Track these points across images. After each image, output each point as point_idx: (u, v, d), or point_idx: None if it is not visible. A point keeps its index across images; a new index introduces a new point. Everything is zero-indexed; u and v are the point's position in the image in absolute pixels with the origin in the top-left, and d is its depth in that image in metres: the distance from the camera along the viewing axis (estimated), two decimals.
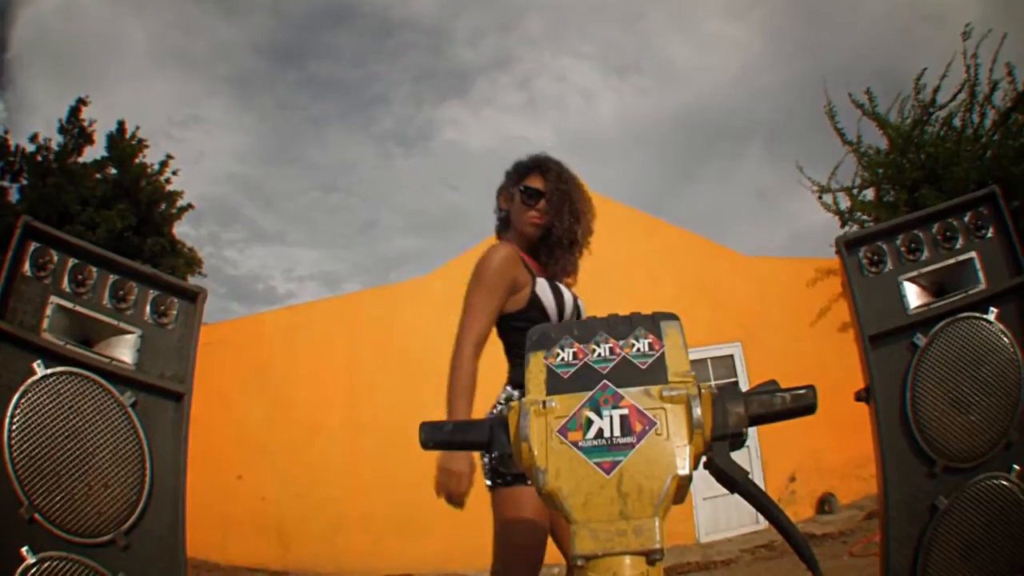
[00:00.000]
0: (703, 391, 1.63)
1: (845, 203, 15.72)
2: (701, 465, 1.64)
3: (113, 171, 20.72)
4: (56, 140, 20.19)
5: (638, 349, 1.70)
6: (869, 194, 15.70)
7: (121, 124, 21.57)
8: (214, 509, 12.87)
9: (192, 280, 22.59)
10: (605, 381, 1.64)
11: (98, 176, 20.27)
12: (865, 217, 15.42)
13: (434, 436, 1.86)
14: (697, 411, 1.55)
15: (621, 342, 1.72)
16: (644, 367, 1.66)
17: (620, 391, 1.61)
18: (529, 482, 1.77)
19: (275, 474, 13.07)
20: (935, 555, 3.52)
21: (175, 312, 3.61)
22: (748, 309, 14.25)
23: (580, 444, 1.54)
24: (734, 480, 1.63)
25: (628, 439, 1.53)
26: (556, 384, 1.67)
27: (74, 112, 20.59)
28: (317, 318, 14.18)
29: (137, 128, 21.63)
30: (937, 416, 3.54)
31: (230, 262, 49.54)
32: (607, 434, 1.54)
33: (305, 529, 12.85)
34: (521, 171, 3.94)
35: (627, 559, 1.47)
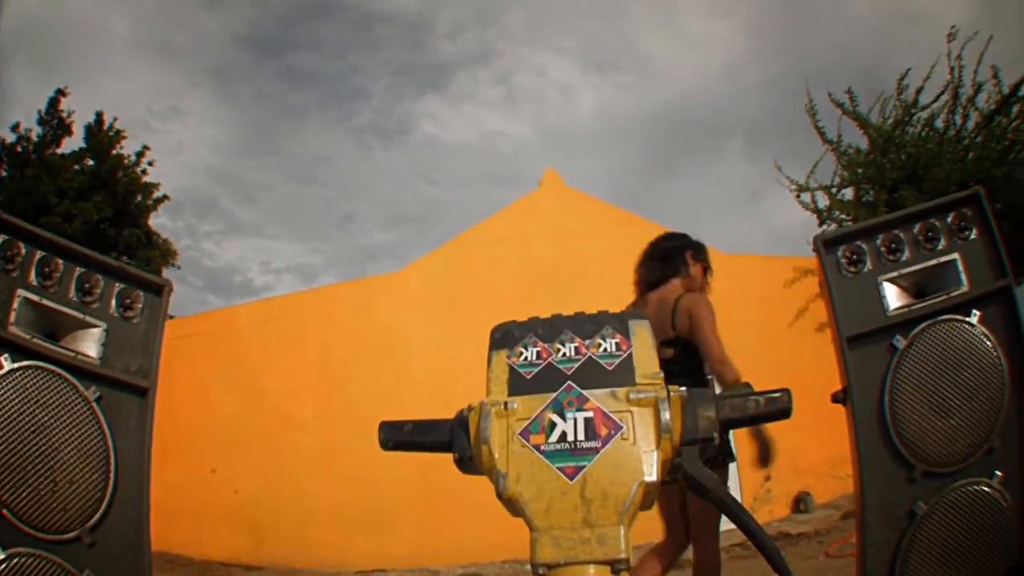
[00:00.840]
0: (672, 394, 1.57)
1: (823, 202, 15.75)
2: (669, 472, 1.58)
3: (91, 162, 20.91)
4: (36, 131, 20.31)
5: (605, 349, 1.64)
6: (848, 193, 15.75)
7: (99, 115, 21.62)
8: (188, 503, 12.87)
9: (167, 272, 22.64)
10: (569, 382, 1.58)
11: (76, 167, 20.42)
12: (844, 216, 15.34)
13: (393, 436, 1.81)
14: (666, 415, 1.50)
15: (587, 341, 1.66)
16: (611, 368, 1.60)
17: (585, 393, 1.55)
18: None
19: (249, 467, 13.01)
20: (913, 561, 3.48)
21: (140, 305, 3.55)
22: (726, 307, 14.03)
23: (542, 448, 1.49)
24: (704, 488, 1.57)
25: (593, 443, 1.47)
26: (518, 384, 1.61)
27: (53, 103, 20.67)
28: (291, 311, 14.10)
29: (115, 119, 21.74)
30: (916, 420, 3.50)
31: (207, 254, 49.47)
32: (571, 438, 1.49)
33: (278, 523, 12.78)
34: (704, 253, 6.29)
35: (591, 568, 1.41)
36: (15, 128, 19.90)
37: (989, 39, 13.43)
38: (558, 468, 1.46)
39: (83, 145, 21.01)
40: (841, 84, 17.42)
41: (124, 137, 21.64)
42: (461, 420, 1.67)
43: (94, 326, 3.40)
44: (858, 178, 15.09)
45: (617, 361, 1.61)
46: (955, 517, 3.47)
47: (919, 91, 14.14)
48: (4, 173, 19.53)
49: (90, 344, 3.38)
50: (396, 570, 11.94)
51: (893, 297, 3.67)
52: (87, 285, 3.42)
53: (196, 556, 12.65)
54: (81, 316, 3.37)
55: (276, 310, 14.25)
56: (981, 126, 13.58)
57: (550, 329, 1.72)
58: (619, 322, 1.70)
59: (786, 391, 1.70)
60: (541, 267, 13.58)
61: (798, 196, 15.66)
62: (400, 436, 1.80)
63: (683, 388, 1.61)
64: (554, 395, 1.56)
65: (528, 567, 1.40)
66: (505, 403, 1.57)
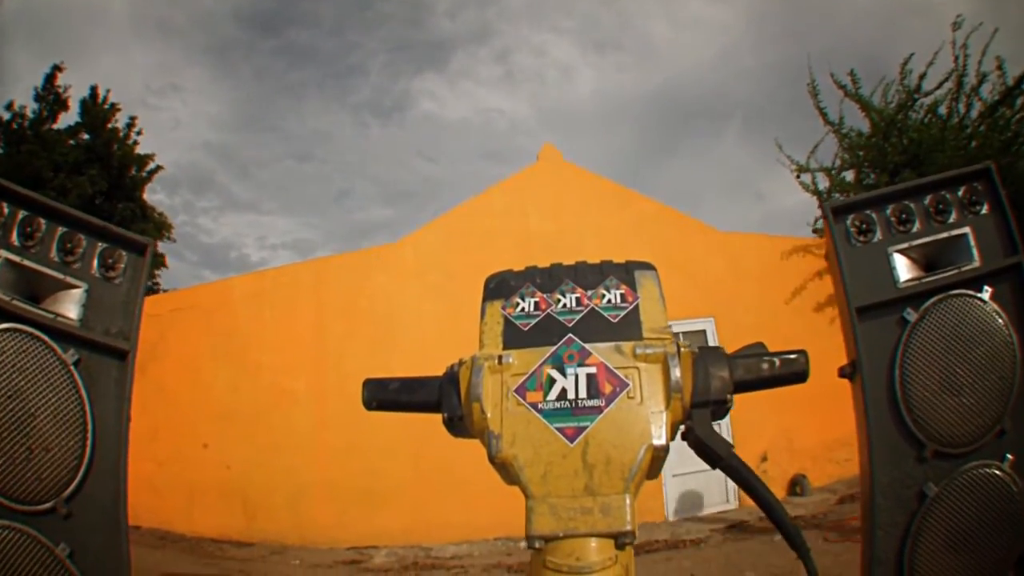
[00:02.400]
0: (683, 350, 1.45)
1: (823, 183, 15.86)
2: (679, 436, 1.48)
3: (86, 136, 20.92)
4: (32, 108, 20.34)
5: (609, 300, 1.53)
6: (848, 176, 15.83)
7: (94, 89, 21.64)
8: (180, 478, 12.89)
9: (162, 246, 22.86)
10: (570, 335, 1.47)
11: (71, 142, 20.44)
12: (843, 198, 14.91)
13: (378, 395, 1.67)
14: (676, 372, 1.38)
15: (590, 292, 1.55)
16: (615, 320, 1.49)
17: (587, 346, 1.44)
18: None
19: (241, 442, 12.94)
20: (923, 545, 3.35)
21: (123, 266, 3.41)
22: (722, 284, 14.18)
23: (540, 406, 1.38)
24: (716, 454, 1.46)
25: (596, 402, 1.36)
26: (514, 337, 1.50)
27: (49, 79, 20.67)
28: (285, 284, 13.98)
29: (108, 92, 21.76)
30: (928, 397, 3.36)
31: (204, 230, 49.82)
32: (571, 395, 1.38)
33: (270, 499, 12.73)
34: None
35: (592, 542, 1.31)
36: (10, 106, 19.87)
37: (994, 31, 13.48)
38: (557, 429, 1.36)
39: (78, 120, 20.99)
40: (841, 70, 17.32)
41: (119, 110, 21.64)
42: (451, 376, 1.55)
43: (75, 287, 3.29)
44: (859, 160, 15.08)
45: (622, 313, 1.50)
46: (966, 501, 3.34)
47: (922, 76, 14.23)
48: (1, 150, 19.45)
49: (70, 305, 3.28)
50: (388, 547, 11.88)
51: (903, 269, 3.53)
52: (69, 245, 3.31)
53: (188, 532, 12.59)
54: (62, 277, 3.26)
55: (270, 283, 14.14)
56: (985, 115, 13.59)
57: (549, 279, 1.60)
58: (624, 272, 1.59)
59: (802, 352, 1.58)
60: (538, 241, 13.52)
61: (798, 177, 15.73)
62: (385, 395, 1.67)
63: (694, 345, 1.49)
64: (553, 348, 1.45)
65: (523, 544, 1.31)
66: (499, 357, 1.46)
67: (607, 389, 1.36)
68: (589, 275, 1.58)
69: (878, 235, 3.59)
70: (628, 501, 1.31)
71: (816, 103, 15.48)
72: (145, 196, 22.48)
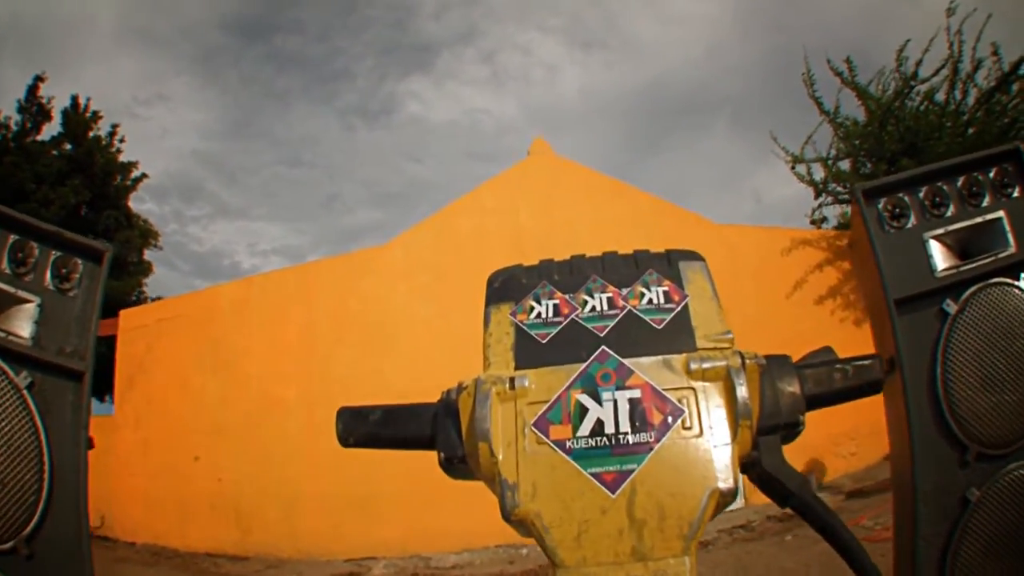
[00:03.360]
0: (748, 362, 1.13)
1: (819, 174, 15.80)
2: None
3: (68, 146, 21.20)
4: (15, 120, 20.70)
5: (650, 301, 1.21)
6: (845, 165, 15.72)
7: (75, 98, 21.86)
8: (171, 492, 12.84)
9: (149, 254, 22.98)
10: (604, 348, 1.15)
11: (54, 153, 20.71)
12: (840, 189, 15.55)
13: (356, 428, 1.35)
14: (742, 392, 1.07)
15: (624, 291, 1.23)
16: (660, 326, 1.18)
17: (627, 362, 1.12)
18: None
19: (232, 454, 12.78)
20: (964, 554, 3.08)
21: (78, 275, 3.15)
22: (720, 278, 13.60)
23: (569, 445, 1.07)
24: (787, 490, 1.15)
25: (643, 436, 1.05)
26: (530, 353, 1.18)
27: (32, 90, 21.03)
28: (272, 290, 13.81)
29: (89, 100, 21.97)
30: (970, 395, 3.09)
31: (194, 239, 50.26)
32: (610, 429, 1.07)
33: (263, 511, 12.57)
34: None
35: None
36: None
37: (988, 17, 13.52)
38: (593, 475, 1.06)
39: (61, 131, 21.23)
40: (836, 59, 17.37)
41: (101, 119, 21.87)
42: (447, 405, 1.23)
43: (27, 301, 3.02)
44: (856, 150, 15.03)
45: (668, 317, 1.18)
46: (1008, 504, 3.08)
47: (919, 63, 14.18)
48: None
49: (22, 322, 3.00)
50: (386, 558, 11.65)
51: (940, 257, 3.27)
52: (20, 255, 3.04)
53: (181, 547, 12.48)
54: (13, 291, 2.99)
55: (257, 290, 13.99)
56: (981, 102, 13.66)
57: (570, 274, 1.28)
58: (666, 263, 1.27)
59: (876, 358, 1.32)
60: (531, 238, 13.26)
61: (793, 168, 15.66)
62: (365, 428, 1.35)
63: (756, 354, 1.19)
64: (583, 367, 1.13)
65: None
66: (511, 380, 1.15)
67: (656, 418, 1.06)
68: (621, 268, 1.27)
69: (912, 220, 3.33)
70: (689, 565, 1.03)
71: (811, 92, 15.38)
72: (131, 204, 22.62)
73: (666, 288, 1.23)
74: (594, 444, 1.08)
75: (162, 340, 13.62)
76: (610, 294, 1.23)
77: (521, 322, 1.22)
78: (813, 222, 16.45)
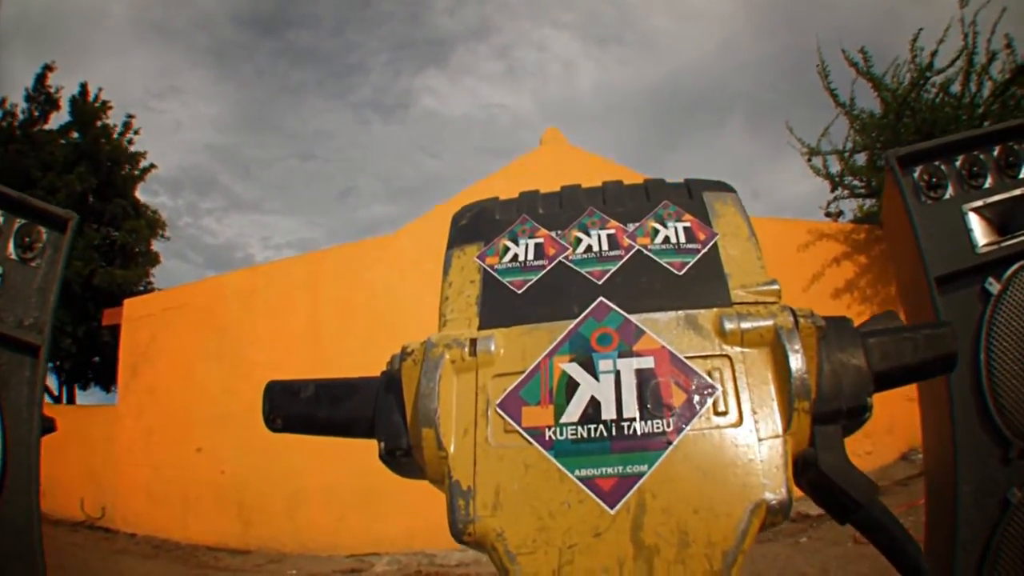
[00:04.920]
0: (802, 321, 0.85)
1: (835, 167, 15.66)
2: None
3: (76, 135, 21.17)
4: (22, 107, 20.70)
5: (666, 240, 0.93)
6: (861, 158, 15.56)
7: (83, 86, 21.95)
8: (173, 484, 12.74)
9: (157, 244, 23.00)
10: (602, 299, 0.87)
11: (62, 142, 20.76)
12: (856, 182, 15.52)
13: (283, 408, 1.07)
14: (797, 362, 0.78)
15: (631, 227, 0.94)
16: (681, 272, 0.89)
17: (635, 319, 0.83)
18: None
19: (235, 446, 12.57)
20: (1004, 560, 2.80)
21: (42, 244, 2.95)
22: None
23: (550, 436, 0.79)
24: (852, 501, 0.87)
25: (657, 425, 0.77)
26: (500, 306, 0.91)
27: (40, 79, 21.00)
28: (279, 279, 13.68)
29: (100, 90, 22.05)
30: (1016, 385, 2.81)
31: (208, 231, 50.60)
32: (610, 414, 0.79)
33: (267, 504, 12.44)
34: None
35: None
36: (1, 103, 20.13)
37: (1003, 11, 13.31)
38: (583, 480, 0.78)
39: (69, 119, 21.21)
40: (841, 66, 17.37)
41: (110, 108, 21.75)
42: (391, 378, 0.95)
43: None
44: (873, 141, 14.88)
45: (692, 261, 0.90)
46: None
47: (933, 54, 14.00)
48: None
49: None
50: (390, 554, 11.52)
51: (979, 231, 2.99)
52: None
53: (183, 540, 12.37)
54: None
55: (263, 279, 13.85)
56: (997, 94, 13.53)
57: (560, 208, 0.99)
58: (685, 194, 0.98)
59: (948, 326, 1.04)
60: None
61: (809, 160, 15.55)
62: (295, 409, 1.07)
63: (812, 312, 0.89)
64: (573, 325, 0.86)
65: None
66: (472, 342, 0.88)
67: (676, 399, 0.77)
68: (627, 200, 0.99)
69: (950, 191, 3.06)
70: None
71: (826, 84, 15.22)
72: (139, 194, 22.61)
73: (687, 224, 0.95)
74: (586, 435, 0.80)
75: (166, 329, 13.51)
76: (612, 231, 0.94)
77: (491, 267, 0.95)
78: (828, 215, 16.40)
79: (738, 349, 0.82)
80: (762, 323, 0.83)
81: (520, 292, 0.91)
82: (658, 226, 0.92)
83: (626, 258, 0.90)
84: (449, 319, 0.94)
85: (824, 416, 0.85)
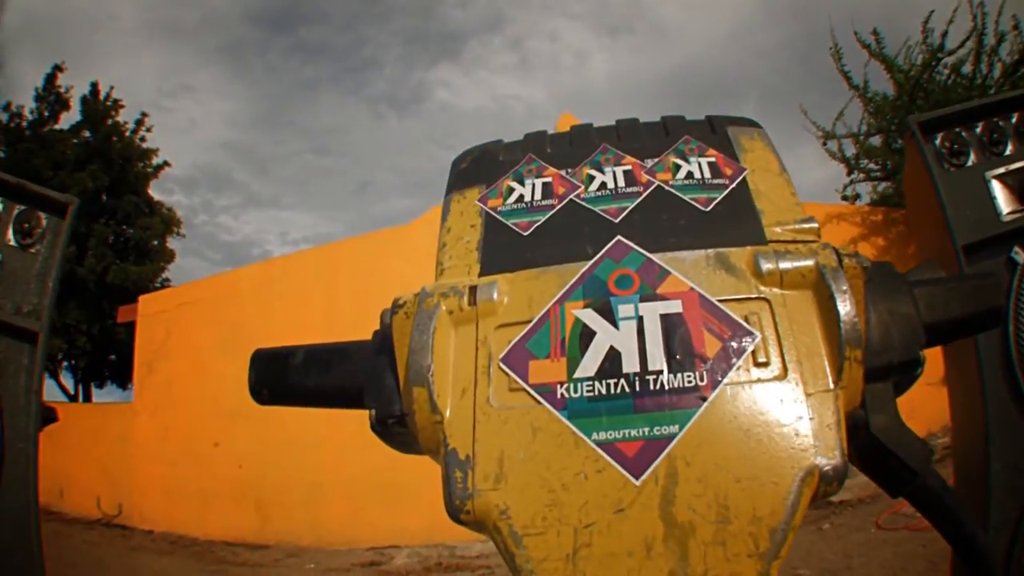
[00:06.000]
0: (847, 261, 0.75)
1: (850, 150, 15.62)
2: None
3: (87, 134, 21.40)
4: (31, 108, 21.02)
5: (689, 175, 0.82)
6: (876, 141, 15.49)
7: (95, 85, 22.16)
8: (190, 480, 12.71)
9: (172, 242, 23.23)
10: (620, 238, 0.77)
11: (73, 141, 21.01)
12: (872, 165, 15.43)
13: (270, 378, 0.99)
14: (846, 306, 0.69)
15: (650, 162, 0.84)
16: (708, 208, 0.79)
17: (657, 259, 0.73)
18: None
19: (252, 440, 12.56)
20: None
21: (41, 230, 2.90)
22: None
23: (563, 394, 0.70)
24: (906, 469, 0.77)
25: (689, 379, 0.67)
26: (504, 250, 0.82)
27: (50, 79, 21.16)
28: (295, 271, 13.65)
29: (112, 89, 22.21)
30: None
31: (225, 228, 50.84)
32: (632, 367, 0.69)
33: (284, 498, 12.41)
34: None
35: None
36: (7, 107, 20.34)
37: None
38: (602, 445, 0.68)
39: (80, 119, 21.43)
40: (854, 49, 17.30)
41: (122, 107, 21.93)
42: (383, 338, 0.86)
43: None
44: (888, 123, 14.81)
45: (719, 196, 0.80)
46: None
47: (944, 35, 13.98)
48: (2, 155, 19.87)
49: None
50: (410, 546, 11.45)
51: (1003, 199, 2.89)
52: None
53: (200, 536, 12.38)
54: None
55: (278, 271, 13.84)
56: (1007, 75, 13.53)
57: (570, 147, 0.90)
58: (707, 130, 0.89)
59: (994, 277, 1.00)
60: None
61: (824, 144, 15.48)
62: (283, 378, 1.01)
63: (856, 251, 0.79)
64: (587, 266, 0.76)
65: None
66: (472, 289, 0.78)
67: (710, 348, 0.68)
68: (644, 137, 0.89)
69: (972, 158, 2.95)
70: None
71: (839, 66, 15.18)
72: (154, 194, 22.84)
73: (712, 159, 0.85)
74: (604, 392, 0.70)
75: (182, 325, 13.50)
76: (628, 167, 0.85)
77: (493, 209, 0.85)
78: (845, 198, 16.17)
79: (777, 291, 0.72)
80: (804, 262, 0.73)
81: (526, 234, 0.82)
82: (679, 161, 0.83)
83: (645, 194, 0.81)
84: (447, 267, 0.86)
85: (874, 372, 0.75)
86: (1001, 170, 2.87)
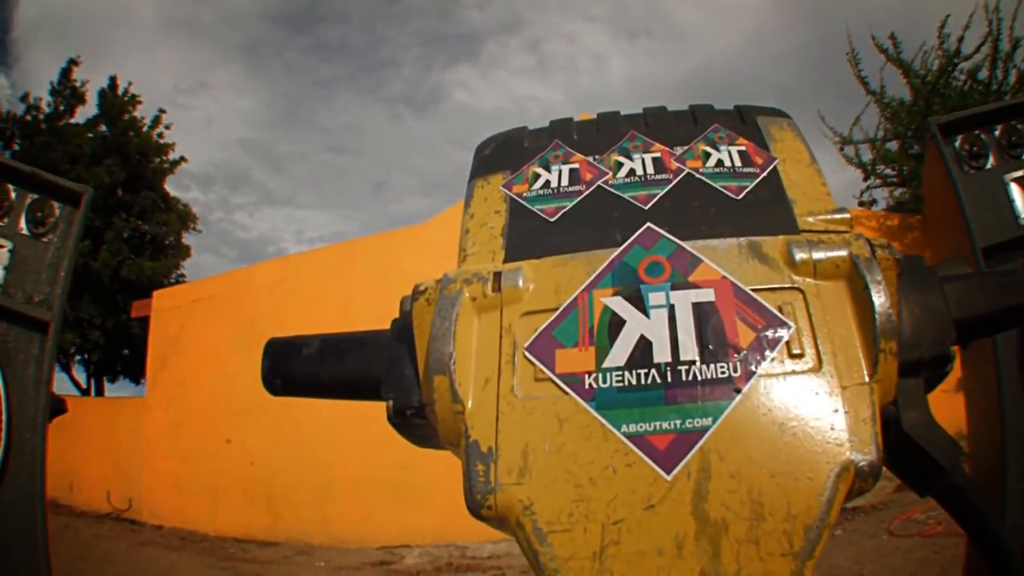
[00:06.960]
0: (879, 252, 0.75)
1: (867, 156, 15.71)
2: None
3: (104, 128, 21.58)
4: (46, 100, 21.22)
5: (719, 163, 0.81)
6: (892, 146, 15.54)
7: (113, 79, 22.22)
8: (202, 476, 12.77)
9: (187, 238, 23.28)
10: (650, 225, 0.75)
11: (90, 135, 21.27)
12: (889, 171, 15.52)
13: (285, 367, 0.96)
14: (881, 297, 0.67)
15: (679, 150, 0.83)
16: (739, 196, 0.78)
17: (688, 246, 0.71)
18: None
19: (265, 437, 12.63)
20: None
21: (54, 219, 2.91)
22: None
23: (591, 384, 0.68)
24: (936, 467, 0.76)
25: (722, 370, 0.65)
26: (530, 236, 0.80)
27: (65, 73, 21.52)
28: (310, 268, 13.65)
29: (130, 84, 22.48)
30: None
31: (240, 226, 50.98)
32: (663, 357, 0.67)
33: (295, 496, 12.43)
34: None
35: None
36: (24, 98, 20.59)
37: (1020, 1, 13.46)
38: (632, 438, 0.65)
39: (97, 112, 21.66)
40: (870, 55, 17.38)
41: (140, 103, 22.01)
42: (401, 326, 0.84)
43: None
44: (905, 128, 14.96)
45: (751, 185, 0.78)
46: None
47: (960, 40, 14.16)
48: (17, 147, 20.20)
49: None
50: (421, 546, 11.45)
51: (1021, 202, 2.88)
52: None
53: (211, 532, 12.43)
54: None
55: (293, 269, 13.86)
56: (1022, 81, 13.73)
57: (597, 134, 0.88)
58: (736, 119, 0.87)
59: (1019, 274, 1.07)
60: None
61: (841, 149, 15.61)
62: (297, 368, 0.98)
63: (888, 242, 0.78)
64: (616, 253, 0.74)
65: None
66: (496, 275, 0.76)
67: (743, 338, 0.66)
68: (673, 125, 0.87)
69: (991, 160, 2.95)
70: None
71: (856, 71, 15.33)
72: (168, 187, 22.93)
73: (742, 148, 0.83)
74: (634, 382, 0.68)
75: (196, 320, 13.55)
76: (657, 154, 0.83)
77: (518, 195, 0.83)
78: (862, 203, 16.28)
79: (811, 281, 0.70)
80: (837, 252, 0.72)
81: (553, 220, 0.80)
82: (709, 149, 0.82)
83: (675, 182, 0.79)
84: (470, 253, 0.84)
85: (906, 367, 0.74)
86: (1020, 173, 2.88)
